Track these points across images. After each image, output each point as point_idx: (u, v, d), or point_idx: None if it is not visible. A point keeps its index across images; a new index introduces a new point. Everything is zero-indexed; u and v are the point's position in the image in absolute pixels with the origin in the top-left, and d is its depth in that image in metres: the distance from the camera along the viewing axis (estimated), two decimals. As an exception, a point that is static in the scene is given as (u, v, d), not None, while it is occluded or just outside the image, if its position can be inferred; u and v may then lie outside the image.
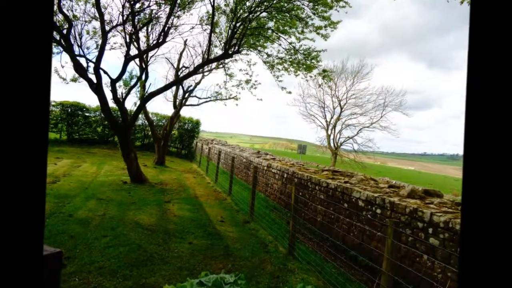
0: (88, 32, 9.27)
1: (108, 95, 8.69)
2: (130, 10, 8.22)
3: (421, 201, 4.72)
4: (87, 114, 18.03)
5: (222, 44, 10.73)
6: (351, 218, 5.56)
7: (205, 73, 14.41)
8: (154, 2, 8.70)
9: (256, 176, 7.37)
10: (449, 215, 3.96)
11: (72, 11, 8.53)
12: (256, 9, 8.31)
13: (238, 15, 8.47)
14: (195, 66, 10.68)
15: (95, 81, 8.16)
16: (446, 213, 4.06)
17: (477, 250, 0.38)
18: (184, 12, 9.41)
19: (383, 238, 4.60)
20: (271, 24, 9.20)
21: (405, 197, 4.98)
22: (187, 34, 17.32)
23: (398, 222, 3.43)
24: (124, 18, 8.33)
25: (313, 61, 9.32)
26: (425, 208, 4.28)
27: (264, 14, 8.73)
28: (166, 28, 8.75)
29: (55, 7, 7.53)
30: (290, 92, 11.12)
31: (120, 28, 9.03)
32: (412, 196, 5.00)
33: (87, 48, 16.82)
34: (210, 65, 13.14)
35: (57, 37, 7.75)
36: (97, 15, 8.21)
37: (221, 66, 13.16)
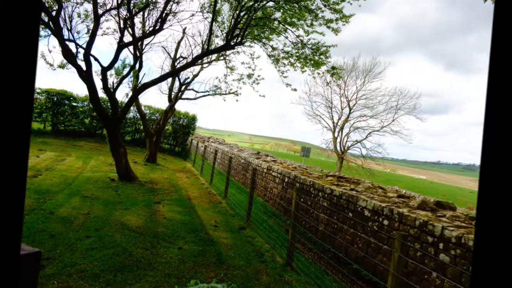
0: (79, 15, 9.28)
1: (98, 84, 8.69)
2: (125, -7, 8.21)
3: (432, 214, 4.73)
4: (74, 104, 18.03)
5: (224, 34, 10.74)
6: (356, 228, 5.56)
7: (204, 65, 14.42)
8: (152, -14, 8.70)
9: (254, 179, 7.37)
10: (462, 230, 3.96)
11: (62, -9, 8.52)
12: (263, -3, 8.30)
13: (243, 4, 8.48)
14: (193, 57, 10.68)
15: (84, 68, 8.17)
16: (459, 227, 4.06)
17: (491, 269, 0.37)
18: (184, -2, 9.40)
19: (390, 252, 4.60)
20: (277, 14, 9.20)
21: (415, 208, 4.99)
22: (187, 22, 17.34)
23: (406, 235, 3.43)
24: (119, 2, 8.34)
25: (321, 56, 9.33)
26: (436, 221, 4.28)
27: (270, 3, 8.74)
28: (163, 15, 8.76)
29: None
30: (295, 90, 11.13)
31: (114, 12, 9.03)
32: (423, 207, 5.00)
33: (78, 33, 16.80)
34: (210, 56, 13.14)
35: (45, 19, 7.75)
36: (89, -3, 8.20)
37: (221, 58, 13.17)
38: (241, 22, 8.74)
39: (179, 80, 14.93)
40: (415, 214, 4.62)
